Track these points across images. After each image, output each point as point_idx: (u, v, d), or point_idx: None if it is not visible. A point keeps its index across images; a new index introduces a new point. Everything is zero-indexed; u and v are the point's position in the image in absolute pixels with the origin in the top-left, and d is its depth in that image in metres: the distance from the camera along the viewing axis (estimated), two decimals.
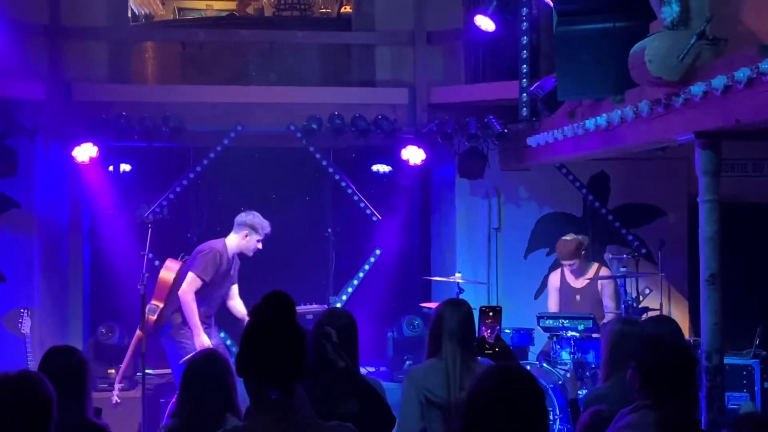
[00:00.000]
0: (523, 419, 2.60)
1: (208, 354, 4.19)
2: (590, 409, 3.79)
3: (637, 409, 3.53)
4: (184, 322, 6.99)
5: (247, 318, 7.23)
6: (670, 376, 3.53)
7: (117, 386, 7.25)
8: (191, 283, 6.94)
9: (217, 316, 7.42)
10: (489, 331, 3.63)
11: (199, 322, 6.91)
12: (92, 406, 3.84)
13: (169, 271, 7.12)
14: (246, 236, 7.15)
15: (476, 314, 4.72)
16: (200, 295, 7.01)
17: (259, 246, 7.22)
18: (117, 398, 7.17)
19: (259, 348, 2.62)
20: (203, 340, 6.87)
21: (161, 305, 7.04)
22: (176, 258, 7.29)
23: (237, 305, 7.35)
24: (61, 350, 3.92)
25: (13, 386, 2.73)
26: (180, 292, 6.93)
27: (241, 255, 7.30)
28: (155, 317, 6.99)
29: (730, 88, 4.65)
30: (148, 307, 6.98)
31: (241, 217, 7.21)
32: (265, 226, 7.20)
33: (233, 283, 7.33)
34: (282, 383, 2.63)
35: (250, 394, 2.65)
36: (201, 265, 6.95)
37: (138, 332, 7.07)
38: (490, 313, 3.66)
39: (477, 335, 3.69)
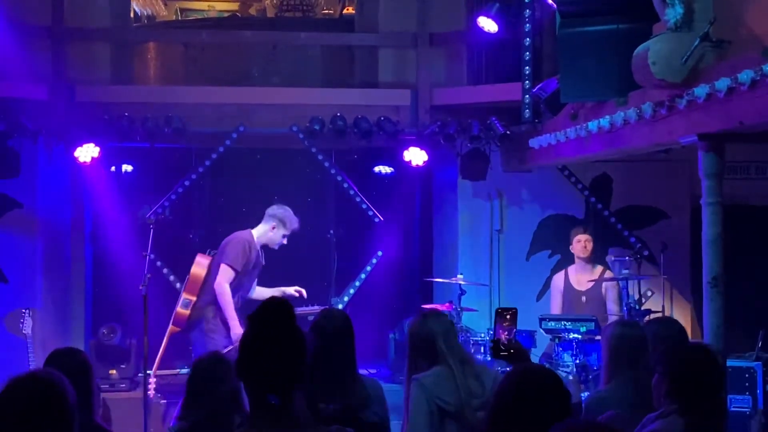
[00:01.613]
0: (549, 419, 2.61)
1: (213, 356, 4.18)
2: (605, 414, 3.75)
3: (665, 415, 3.47)
4: (215, 316, 7.00)
5: (281, 292, 7.20)
6: (700, 381, 3.50)
7: (152, 380, 7.21)
8: (224, 273, 6.96)
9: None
10: (506, 333, 3.61)
11: (235, 314, 6.93)
12: (99, 408, 3.82)
13: (200, 266, 7.16)
14: (273, 228, 7.19)
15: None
16: (232, 285, 7.02)
17: (284, 241, 7.26)
18: (152, 391, 7.17)
19: (258, 352, 2.62)
20: (240, 331, 6.86)
21: (194, 299, 7.07)
22: (204, 253, 7.31)
23: (259, 290, 7.40)
24: (64, 352, 3.90)
25: (43, 386, 2.70)
26: (216, 285, 6.96)
27: (264, 248, 7.30)
28: (189, 311, 7.01)
29: (734, 90, 4.65)
30: (180, 300, 7.01)
31: (273, 209, 7.25)
32: (293, 222, 7.24)
33: (257, 275, 7.36)
34: (281, 388, 2.62)
35: (249, 398, 2.65)
36: (231, 255, 6.98)
37: (171, 327, 7.07)
38: (507, 315, 3.64)
39: (494, 337, 3.65)
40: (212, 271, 7.08)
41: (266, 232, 7.21)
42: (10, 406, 2.63)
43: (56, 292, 8.58)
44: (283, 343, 2.62)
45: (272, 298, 2.71)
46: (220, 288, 6.94)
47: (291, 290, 7.39)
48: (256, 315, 2.66)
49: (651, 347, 4.49)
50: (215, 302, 7.01)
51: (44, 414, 2.63)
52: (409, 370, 4.29)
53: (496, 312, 3.68)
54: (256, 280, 7.39)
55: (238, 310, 7.17)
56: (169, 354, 7.36)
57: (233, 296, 7.03)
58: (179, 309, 7.04)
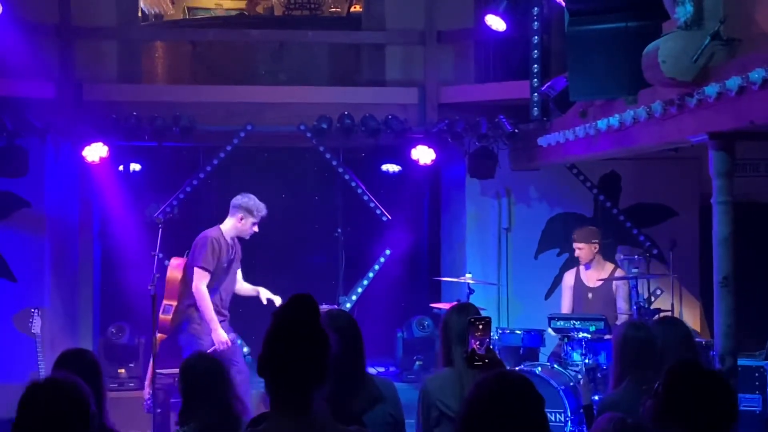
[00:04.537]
0: (523, 426, 2.57)
1: (198, 356, 4.16)
2: (610, 415, 3.66)
3: None
4: (201, 317, 6.96)
5: (257, 291, 7.15)
6: (710, 412, 2.99)
7: (147, 390, 7.16)
8: (198, 277, 6.90)
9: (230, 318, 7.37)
10: (478, 343, 3.57)
11: (215, 317, 6.87)
12: (108, 410, 3.81)
13: (174, 269, 7.09)
14: (241, 219, 7.10)
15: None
16: (211, 284, 6.99)
17: (255, 229, 7.14)
18: (148, 397, 7.14)
19: (279, 350, 2.59)
20: (220, 334, 6.83)
21: (174, 303, 7.02)
22: (180, 255, 7.26)
23: (244, 286, 7.34)
24: (74, 353, 3.90)
25: (64, 391, 2.68)
26: (193, 289, 6.92)
27: (240, 240, 7.22)
28: (170, 316, 6.97)
29: (745, 89, 4.63)
30: (162, 307, 6.97)
31: (237, 199, 7.15)
32: (260, 208, 7.12)
33: (238, 268, 7.30)
34: (301, 387, 2.60)
35: (270, 396, 2.63)
36: (201, 256, 6.92)
37: (158, 335, 7.03)
38: (480, 326, 3.58)
39: (468, 348, 3.61)
40: (188, 273, 7.01)
41: (235, 224, 7.11)
42: (31, 411, 2.61)
43: (64, 291, 8.58)
44: (306, 343, 2.59)
45: (298, 295, 2.66)
46: (197, 292, 6.88)
47: (265, 295, 7.25)
48: (280, 312, 2.63)
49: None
50: (197, 305, 6.96)
51: (65, 420, 2.61)
52: (444, 362, 4.23)
53: (469, 322, 3.62)
54: (238, 273, 7.30)
55: (228, 307, 7.16)
56: (171, 354, 7.32)
57: (214, 295, 6.98)
58: (161, 316, 6.95)
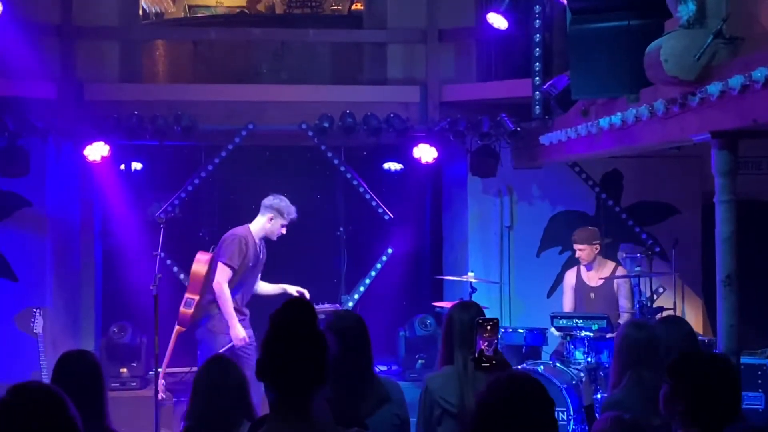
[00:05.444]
0: (532, 428, 2.58)
1: (214, 360, 4.17)
2: (608, 414, 3.66)
3: None
4: (221, 313, 6.92)
5: (282, 289, 7.12)
6: (720, 400, 3.10)
7: (162, 383, 7.14)
8: (221, 272, 6.90)
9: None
10: (486, 344, 3.57)
11: (233, 313, 6.85)
12: (109, 410, 3.81)
13: (200, 263, 7.08)
14: (271, 219, 7.11)
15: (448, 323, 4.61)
16: (234, 282, 6.98)
17: (283, 231, 7.17)
18: (162, 394, 7.14)
19: (279, 351, 2.61)
20: (238, 331, 6.82)
21: (197, 298, 7.00)
22: (207, 251, 7.26)
23: (261, 285, 7.34)
24: (75, 355, 3.90)
25: (47, 398, 2.63)
26: (214, 284, 6.92)
27: (265, 240, 7.23)
28: (192, 310, 6.97)
29: (748, 87, 4.60)
30: (184, 300, 6.98)
31: (269, 200, 7.16)
32: (291, 211, 7.15)
33: (261, 270, 7.31)
34: (301, 387, 2.61)
35: (270, 399, 2.64)
36: (227, 253, 6.92)
37: (177, 327, 7.04)
38: (488, 326, 3.59)
39: (475, 349, 3.61)
40: (213, 268, 7.00)
41: (264, 224, 7.13)
42: (12, 417, 2.56)
43: (66, 290, 8.58)
44: (305, 345, 2.61)
45: (294, 299, 2.70)
46: (218, 287, 6.88)
47: (293, 290, 7.29)
48: (277, 316, 2.65)
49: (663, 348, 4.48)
50: (217, 300, 6.96)
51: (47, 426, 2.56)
52: (443, 360, 4.23)
53: (477, 323, 3.63)
54: (259, 275, 7.34)
55: (247, 305, 7.15)
56: (177, 353, 7.33)
57: (236, 293, 6.98)
58: (182, 309, 6.96)
